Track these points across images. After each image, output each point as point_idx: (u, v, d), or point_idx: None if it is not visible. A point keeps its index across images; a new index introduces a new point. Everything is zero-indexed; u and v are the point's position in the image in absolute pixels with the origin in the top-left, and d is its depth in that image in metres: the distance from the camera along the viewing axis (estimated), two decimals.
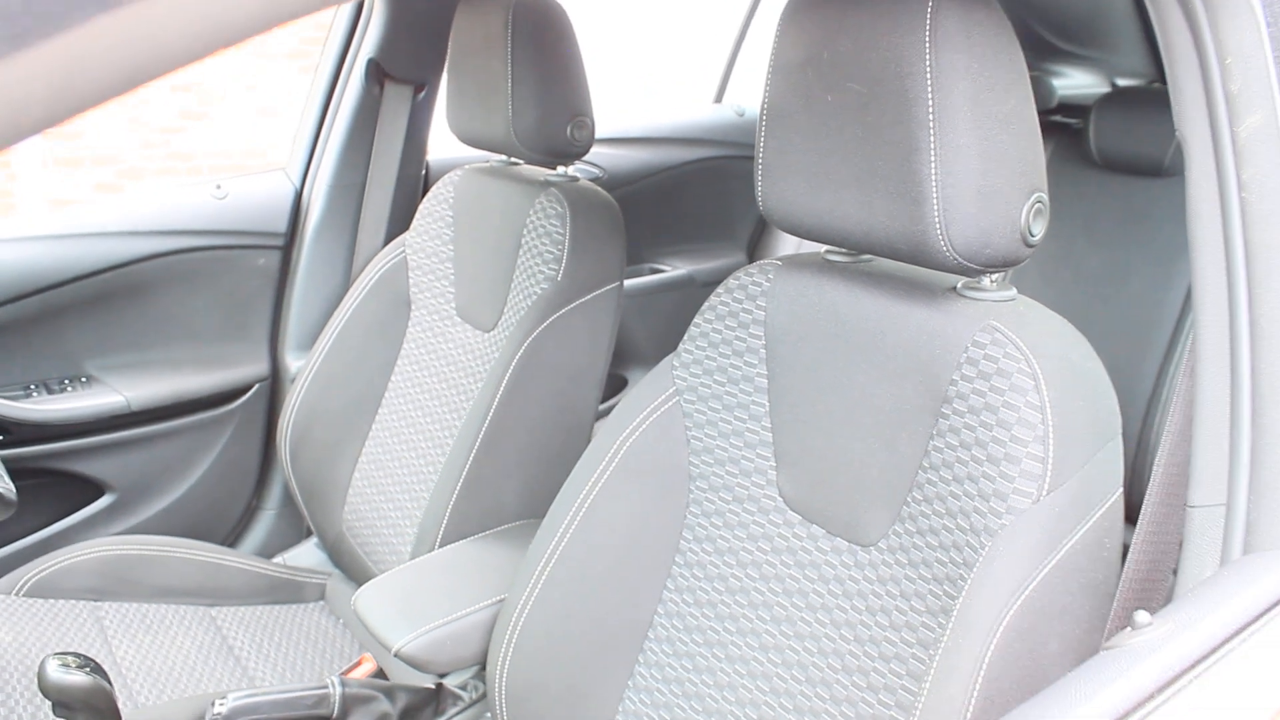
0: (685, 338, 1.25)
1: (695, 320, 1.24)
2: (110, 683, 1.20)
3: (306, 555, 2.07)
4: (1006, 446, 0.91)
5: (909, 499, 1.01)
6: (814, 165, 1.03)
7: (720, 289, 1.23)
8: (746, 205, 2.74)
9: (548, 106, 1.63)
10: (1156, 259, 2.16)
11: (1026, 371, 0.92)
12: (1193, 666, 0.60)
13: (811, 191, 1.04)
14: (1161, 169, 2.18)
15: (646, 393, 1.26)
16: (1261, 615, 0.64)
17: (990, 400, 0.93)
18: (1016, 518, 0.89)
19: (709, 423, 1.21)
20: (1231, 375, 0.77)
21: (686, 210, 2.65)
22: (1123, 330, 2.16)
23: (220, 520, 2.13)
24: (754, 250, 2.77)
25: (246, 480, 2.15)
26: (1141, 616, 0.67)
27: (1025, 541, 0.88)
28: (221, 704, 1.39)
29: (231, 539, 2.15)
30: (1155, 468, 0.86)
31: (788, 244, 2.68)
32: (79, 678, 1.16)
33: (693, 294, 2.60)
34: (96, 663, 1.20)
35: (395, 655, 1.35)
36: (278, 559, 2.05)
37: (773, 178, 1.08)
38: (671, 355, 1.27)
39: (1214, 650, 0.62)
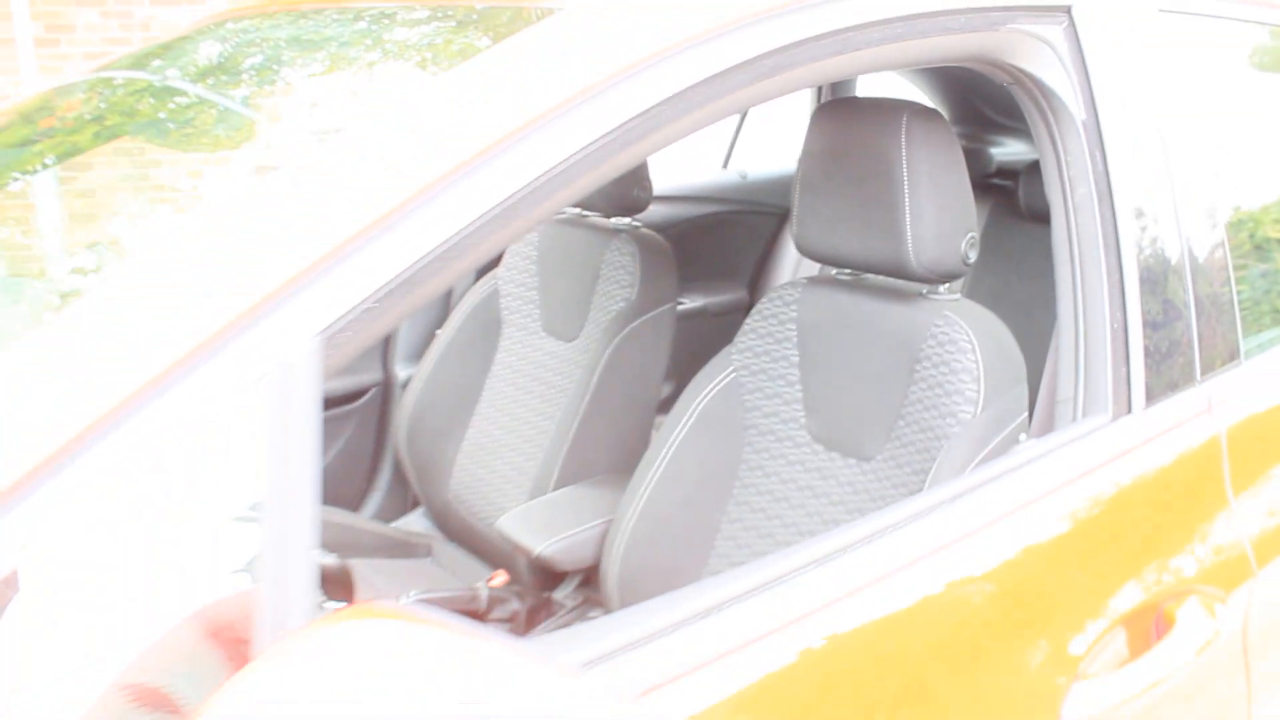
0: (740, 332, 1.84)
1: (747, 322, 1.83)
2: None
3: (414, 523, 2.63)
4: (956, 385, 1.50)
5: (896, 425, 1.61)
6: (831, 217, 1.63)
7: (764, 300, 1.82)
8: (747, 251, 3.35)
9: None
10: None
11: (968, 342, 1.52)
12: (1039, 456, 1.18)
13: (830, 234, 1.64)
14: None
15: (712, 371, 1.85)
16: (1080, 438, 1.21)
17: (946, 359, 1.53)
18: (962, 427, 1.48)
19: (757, 389, 1.80)
20: (1075, 332, 1.35)
21: (700, 254, 3.25)
22: (1048, 343, 2.77)
23: (343, 496, 2.68)
24: (753, 286, 3.37)
25: (363, 464, 2.71)
26: (1022, 437, 1.25)
27: (967, 441, 1.47)
28: (408, 598, 1.95)
29: (352, 509, 2.70)
30: (1041, 389, 1.45)
31: (783, 277, 3.28)
32: (332, 559, 1.71)
33: (705, 322, 3.20)
34: (339, 556, 1.76)
35: (535, 557, 1.91)
36: (391, 525, 2.60)
37: (805, 225, 1.67)
38: (729, 346, 1.86)
39: (1052, 450, 1.19)
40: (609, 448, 2.20)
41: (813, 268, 3.06)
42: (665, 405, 2.02)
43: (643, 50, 0.97)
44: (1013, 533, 1.09)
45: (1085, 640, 1.08)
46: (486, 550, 2.33)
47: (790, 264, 3.35)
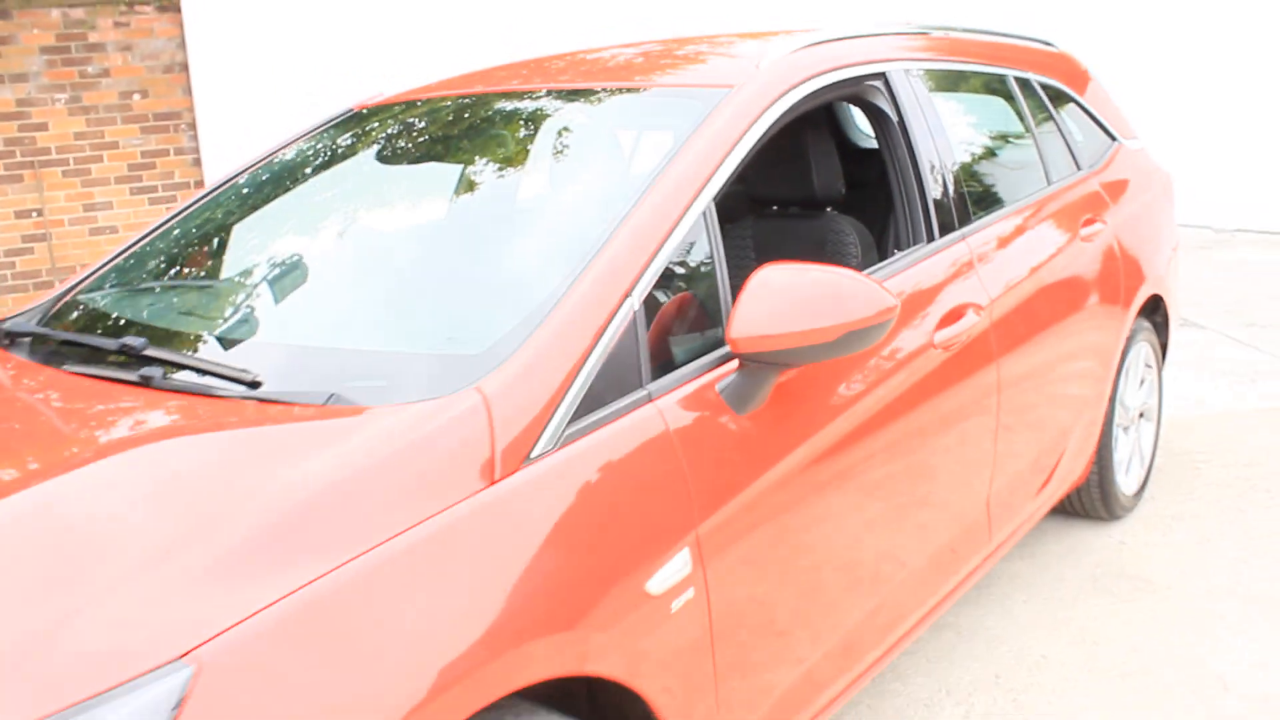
0: (728, 239, 3.45)
1: (730, 234, 3.44)
2: None
3: None
4: (846, 251, 3.17)
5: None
6: (770, 177, 3.27)
7: (730, 228, 3.43)
8: None
9: None
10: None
11: (850, 230, 3.19)
12: (901, 258, 2.84)
13: (770, 186, 3.28)
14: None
15: None
16: (913, 250, 2.88)
17: (840, 240, 3.19)
18: (854, 261, 3.16)
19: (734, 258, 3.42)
20: (904, 213, 3.01)
21: None
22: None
23: None
24: None
25: None
26: (894, 251, 2.93)
27: (854, 261, 3.14)
28: None
29: None
30: (889, 241, 3.13)
31: None
32: None
33: None
34: None
35: None
36: None
37: (753, 184, 3.31)
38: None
39: (904, 255, 2.85)
40: None
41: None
42: None
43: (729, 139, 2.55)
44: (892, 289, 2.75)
45: (935, 320, 2.76)
46: None
47: None
